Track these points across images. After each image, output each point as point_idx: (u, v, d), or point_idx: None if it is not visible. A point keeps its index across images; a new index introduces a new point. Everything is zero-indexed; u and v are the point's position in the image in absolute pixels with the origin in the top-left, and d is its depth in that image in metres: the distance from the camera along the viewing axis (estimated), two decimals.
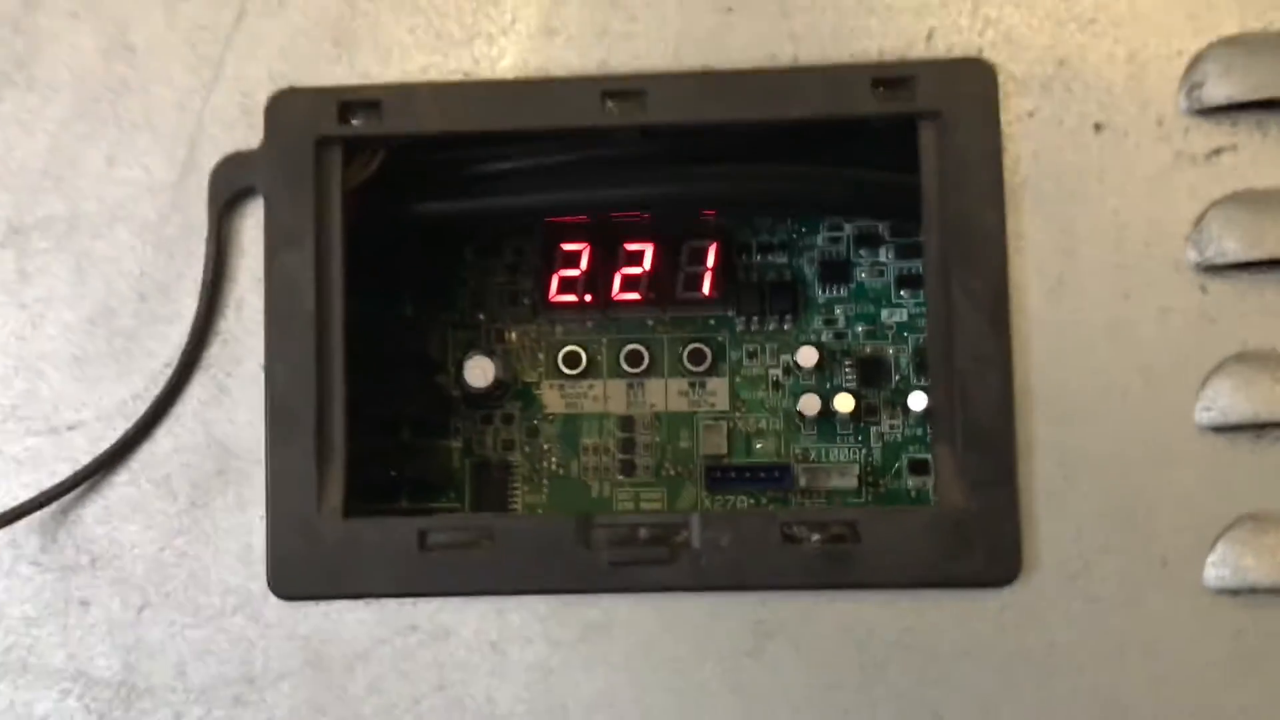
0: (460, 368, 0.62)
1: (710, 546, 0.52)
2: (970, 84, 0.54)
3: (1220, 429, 0.51)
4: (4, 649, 0.54)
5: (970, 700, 0.52)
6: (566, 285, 0.62)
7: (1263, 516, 0.51)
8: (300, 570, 0.53)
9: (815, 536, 0.52)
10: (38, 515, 0.54)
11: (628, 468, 0.62)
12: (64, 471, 0.54)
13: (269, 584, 0.53)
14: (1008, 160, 0.53)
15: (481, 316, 0.64)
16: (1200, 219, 0.52)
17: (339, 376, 0.54)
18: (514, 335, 0.64)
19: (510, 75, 0.55)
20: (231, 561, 0.54)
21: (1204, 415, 0.51)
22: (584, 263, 0.62)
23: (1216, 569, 0.51)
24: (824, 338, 0.61)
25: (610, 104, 0.55)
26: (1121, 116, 0.54)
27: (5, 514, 0.53)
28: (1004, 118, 0.54)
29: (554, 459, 0.62)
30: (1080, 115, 0.54)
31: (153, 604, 0.54)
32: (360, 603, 0.54)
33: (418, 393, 0.62)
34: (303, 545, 0.53)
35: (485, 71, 0.55)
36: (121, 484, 0.55)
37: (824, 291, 0.62)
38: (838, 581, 0.52)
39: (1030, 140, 0.53)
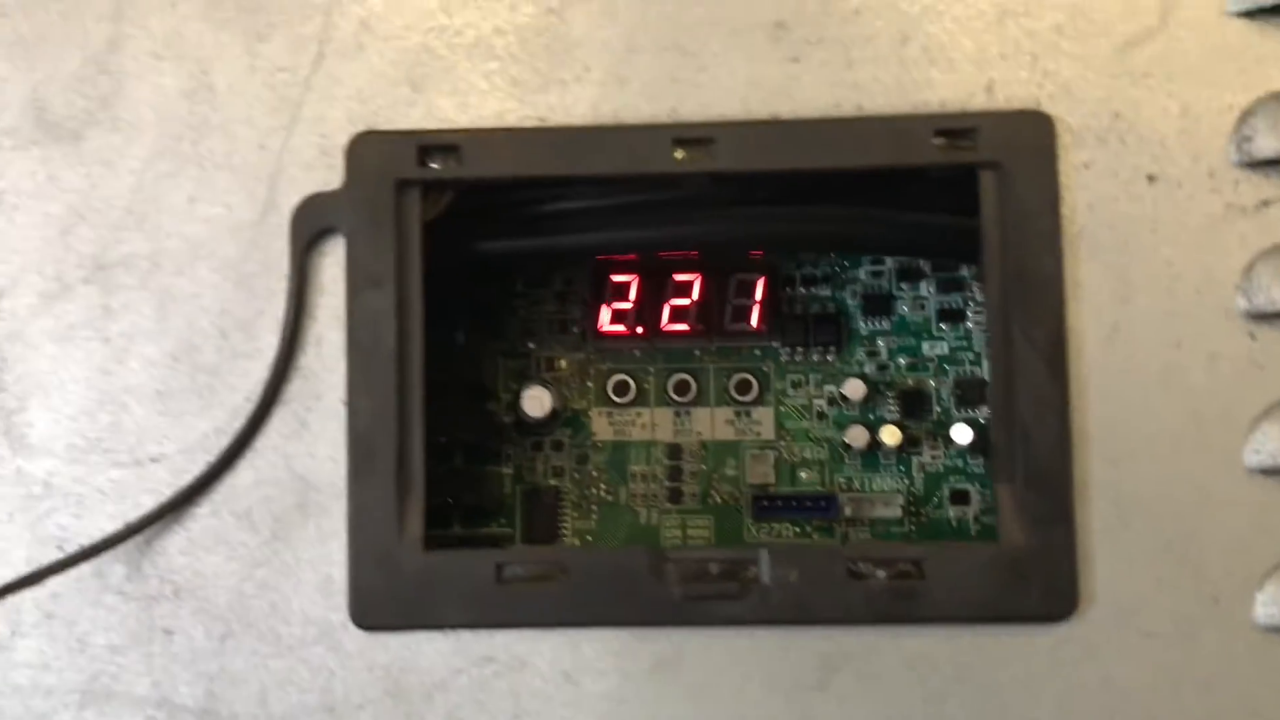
0: (514, 396, 0.63)
1: (779, 582, 0.52)
2: (1030, 135, 0.55)
3: (1268, 472, 0.52)
4: (90, 677, 0.54)
5: None
6: (617, 316, 0.63)
7: None
8: (381, 601, 0.54)
9: (881, 573, 0.52)
10: (122, 545, 0.54)
11: (675, 495, 0.62)
12: (148, 503, 0.54)
13: (350, 615, 0.53)
14: (1065, 209, 0.54)
15: (531, 345, 0.64)
16: (1249, 268, 0.53)
17: (418, 412, 0.55)
18: (564, 363, 0.64)
19: (583, 121, 0.56)
20: (311, 592, 0.54)
21: (1253, 458, 0.52)
22: (633, 294, 0.62)
23: (1266, 607, 0.52)
24: (867, 369, 0.61)
25: (680, 151, 0.55)
26: (1174, 168, 0.54)
27: (92, 546, 0.53)
28: (1062, 168, 0.54)
29: (603, 486, 0.63)
30: (1134, 166, 0.55)
31: (235, 633, 0.54)
32: (438, 633, 0.54)
33: (470, 420, 0.62)
34: (383, 577, 0.53)
35: (559, 117, 0.56)
36: (204, 516, 0.55)
37: (867, 324, 0.61)
38: (902, 616, 0.53)
39: (1087, 190, 0.54)
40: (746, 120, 0.55)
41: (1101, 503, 0.53)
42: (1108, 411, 0.54)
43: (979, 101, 0.55)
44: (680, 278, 0.63)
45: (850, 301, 0.63)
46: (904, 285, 0.63)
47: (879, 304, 0.63)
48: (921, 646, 0.53)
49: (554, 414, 0.62)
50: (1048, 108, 0.55)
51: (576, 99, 0.56)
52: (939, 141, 0.55)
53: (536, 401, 0.61)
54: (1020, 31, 0.55)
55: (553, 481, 0.63)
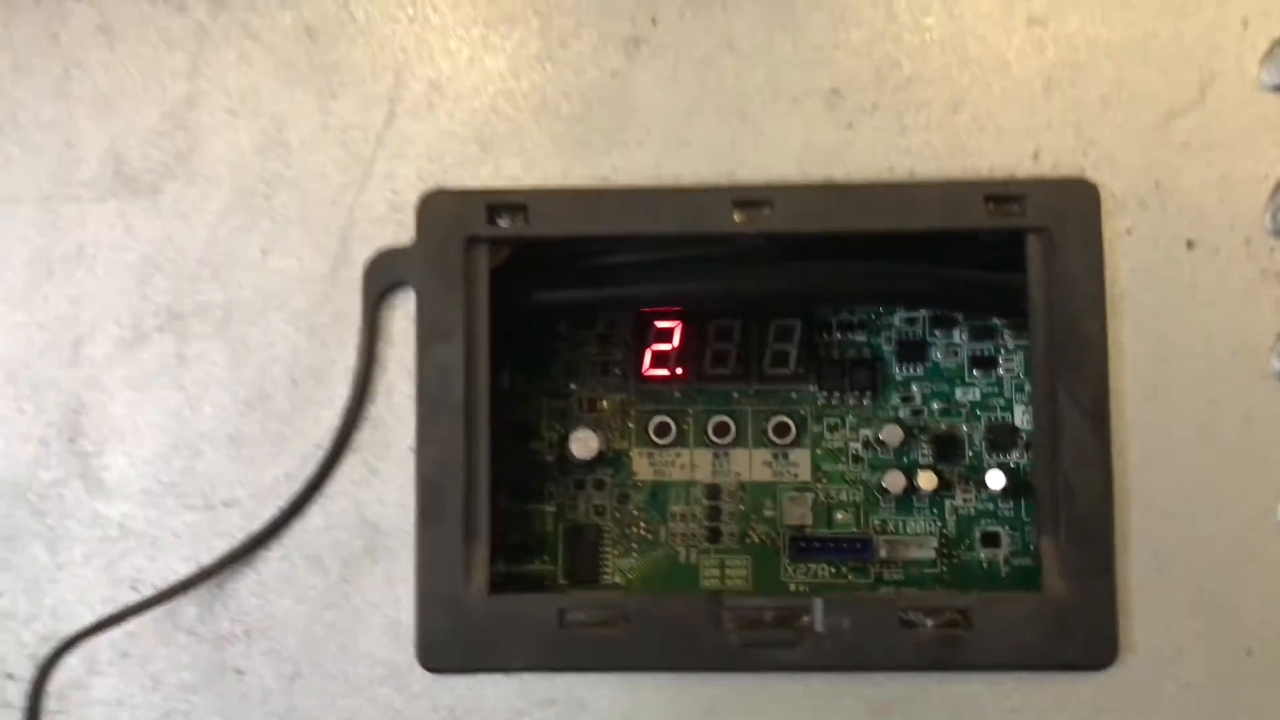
0: (557, 436, 0.64)
1: (832, 630, 0.52)
2: (1075, 201, 0.56)
3: None
4: (163, 715, 0.55)
5: None
6: (659, 359, 0.63)
7: None
8: (447, 644, 0.55)
9: (930, 621, 0.52)
10: (195, 587, 0.55)
11: (713, 535, 0.63)
12: (220, 546, 0.55)
13: (418, 657, 0.54)
14: (1108, 274, 0.55)
15: (573, 386, 0.65)
16: None
17: (484, 461, 0.56)
18: (605, 404, 0.64)
19: (645, 182, 0.57)
20: (379, 634, 0.55)
21: None
22: (676, 339, 0.63)
23: None
24: (901, 414, 0.62)
25: (738, 212, 0.55)
26: (1212, 235, 0.56)
27: (167, 589, 0.54)
28: (1105, 234, 0.55)
29: (643, 524, 0.63)
30: (1174, 233, 0.56)
31: (304, 674, 0.54)
32: (501, 676, 0.55)
33: (514, 459, 0.62)
34: (450, 621, 0.54)
35: (622, 178, 0.57)
36: (275, 559, 0.56)
37: (901, 370, 0.62)
38: (949, 664, 0.54)
39: (1129, 255, 0.55)
40: (802, 183, 0.56)
41: (1141, 555, 0.54)
42: (1147, 468, 0.55)
43: (1026, 168, 0.56)
44: (720, 323, 0.63)
45: (885, 347, 0.63)
46: (937, 332, 0.63)
47: (913, 350, 0.63)
48: (967, 693, 0.54)
49: (599, 455, 0.62)
50: (1092, 175, 0.56)
51: (638, 160, 0.57)
52: (988, 207, 0.56)
53: (584, 444, 0.61)
54: (1066, 102, 0.56)
55: (594, 520, 0.64)
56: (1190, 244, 0.55)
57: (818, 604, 0.53)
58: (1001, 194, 0.56)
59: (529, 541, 0.63)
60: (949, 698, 0.54)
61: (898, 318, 0.63)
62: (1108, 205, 0.56)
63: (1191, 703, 0.54)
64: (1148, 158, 0.56)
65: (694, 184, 0.57)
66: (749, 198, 0.56)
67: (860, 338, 0.64)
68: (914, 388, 0.63)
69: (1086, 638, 0.54)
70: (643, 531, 0.64)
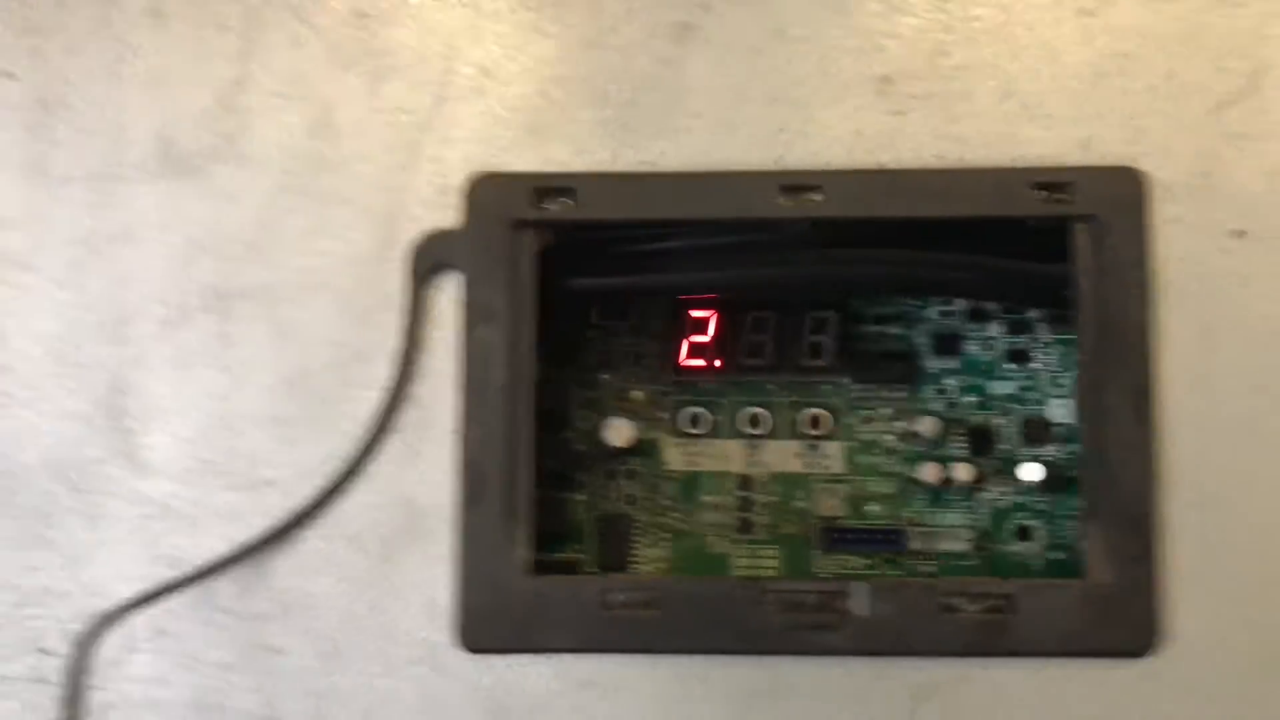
0: (589, 424, 0.61)
1: (876, 614, 0.50)
2: (1124, 190, 0.54)
3: None
4: (201, 692, 0.53)
5: None
6: (696, 350, 0.61)
7: None
8: (488, 624, 0.53)
9: (972, 607, 0.50)
10: (234, 566, 0.53)
11: (745, 525, 0.60)
12: (259, 524, 0.54)
13: (460, 637, 0.53)
14: (1156, 262, 0.53)
15: (606, 375, 0.62)
16: None
17: (528, 442, 0.54)
18: (639, 394, 0.61)
19: (693, 168, 0.55)
20: (418, 614, 0.53)
21: None
22: (712, 329, 0.61)
23: None
24: (935, 406, 0.59)
25: (785, 197, 0.54)
26: (1260, 224, 0.54)
27: (207, 567, 0.52)
28: (1153, 222, 0.53)
29: (674, 514, 0.61)
30: (1223, 222, 0.54)
31: (343, 653, 0.53)
32: (541, 657, 0.53)
33: (548, 447, 0.59)
34: (491, 601, 0.53)
35: (670, 163, 0.55)
36: (315, 538, 0.54)
37: (936, 362, 0.59)
38: (991, 649, 0.52)
39: (1177, 244, 0.54)
40: (851, 169, 0.55)
41: (1184, 543, 0.52)
42: (1192, 456, 0.53)
43: (1075, 157, 0.54)
44: (756, 314, 0.61)
45: (920, 340, 0.60)
46: (972, 325, 0.60)
47: (948, 343, 0.61)
48: (1008, 678, 0.53)
49: (633, 445, 0.60)
50: (1141, 164, 0.54)
51: (687, 146, 0.55)
52: (1038, 194, 0.54)
53: (619, 432, 0.59)
54: (1115, 91, 0.54)
55: (626, 509, 0.61)
56: (1239, 233, 0.53)
57: (861, 588, 0.51)
58: (1051, 181, 0.54)
59: (561, 529, 0.60)
60: (990, 683, 0.53)
61: (934, 310, 0.60)
62: (1156, 194, 0.54)
63: (1233, 691, 0.52)
64: (1197, 147, 0.54)
65: (742, 169, 0.55)
66: (797, 183, 0.54)
67: (895, 330, 0.61)
68: (948, 380, 0.60)
69: (1128, 625, 0.52)
70: (674, 521, 0.61)
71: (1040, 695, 0.52)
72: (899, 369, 0.61)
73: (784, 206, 0.54)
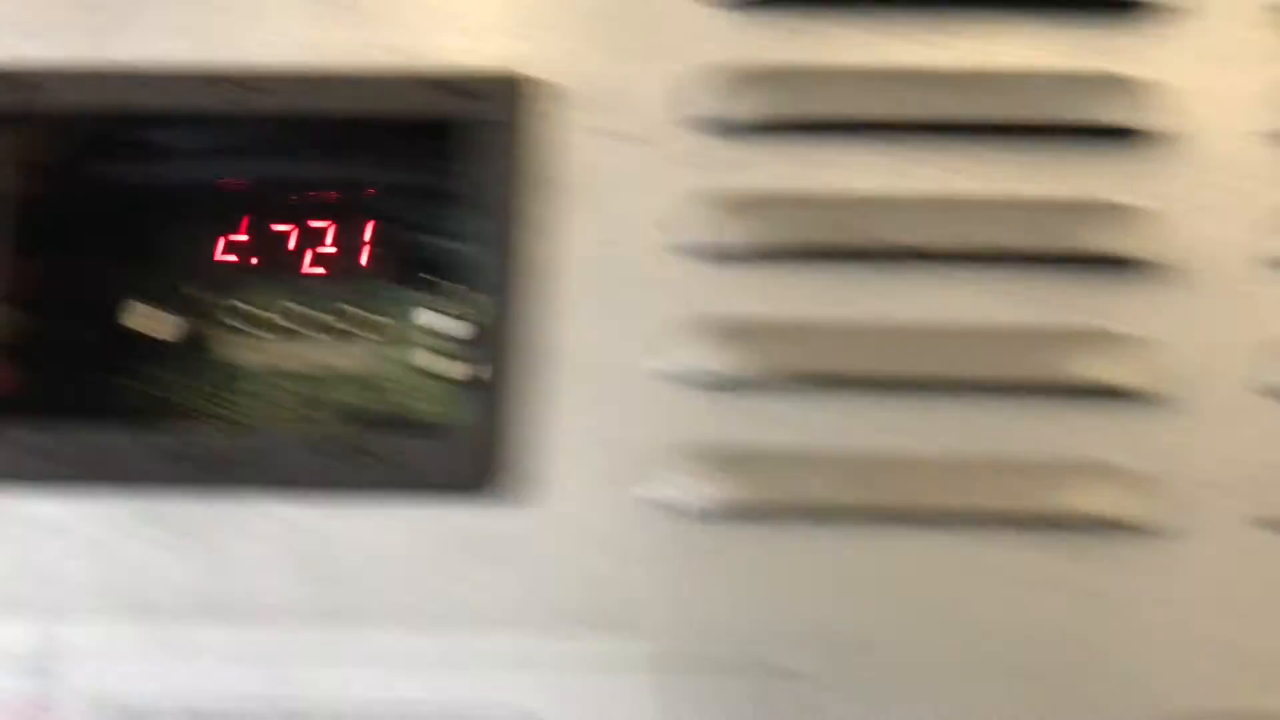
0: (136, 317, 0.64)
1: None
2: (514, 95, 0.59)
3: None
4: None
5: None
6: (231, 247, 0.66)
7: None
8: None
9: None
10: None
11: None
12: None
13: None
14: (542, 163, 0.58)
15: (154, 271, 0.66)
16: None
17: None
18: (179, 288, 0.66)
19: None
20: None
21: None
22: (246, 226, 0.66)
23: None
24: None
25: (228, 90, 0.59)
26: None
27: None
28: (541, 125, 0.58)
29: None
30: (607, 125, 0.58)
31: None
32: None
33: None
34: None
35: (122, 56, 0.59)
36: None
37: None
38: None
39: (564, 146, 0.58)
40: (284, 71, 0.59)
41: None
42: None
43: (468, 61, 0.59)
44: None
45: None
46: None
47: None
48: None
49: (177, 338, 0.64)
50: (532, 71, 0.58)
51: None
52: (432, 97, 0.58)
53: (150, 321, 0.64)
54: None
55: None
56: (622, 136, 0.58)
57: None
58: (440, 82, 0.58)
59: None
60: None
61: None
62: (546, 99, 0.58)
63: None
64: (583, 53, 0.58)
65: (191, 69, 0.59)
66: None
67: None
68: None
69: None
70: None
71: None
72: None
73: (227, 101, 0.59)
